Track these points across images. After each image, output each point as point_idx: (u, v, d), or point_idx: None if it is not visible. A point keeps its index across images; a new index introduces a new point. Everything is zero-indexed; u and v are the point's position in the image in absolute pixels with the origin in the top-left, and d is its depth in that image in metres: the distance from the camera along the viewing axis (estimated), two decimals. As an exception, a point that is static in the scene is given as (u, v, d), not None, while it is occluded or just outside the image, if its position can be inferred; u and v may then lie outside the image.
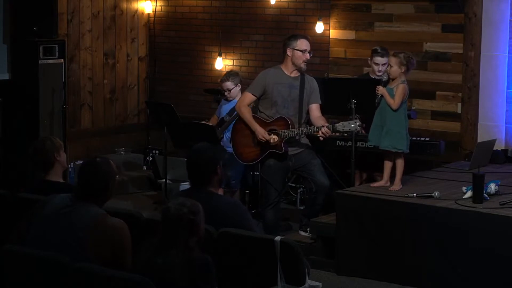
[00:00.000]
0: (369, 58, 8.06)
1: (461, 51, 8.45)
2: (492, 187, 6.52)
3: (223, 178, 5.12)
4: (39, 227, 4.46)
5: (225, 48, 10.03)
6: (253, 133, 7.17)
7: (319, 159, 7.33)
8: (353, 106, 7.26)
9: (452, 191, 6.72)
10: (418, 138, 7.76)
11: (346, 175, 7.50)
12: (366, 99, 7.09)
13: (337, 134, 7.12)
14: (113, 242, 4.34)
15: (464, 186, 6.56)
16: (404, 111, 6.79)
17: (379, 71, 7.71)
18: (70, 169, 9.17)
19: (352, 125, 6.88)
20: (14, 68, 9.24)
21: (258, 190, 8.10)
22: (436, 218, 6.30)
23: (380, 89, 6.75)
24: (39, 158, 5.50)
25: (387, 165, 6.88)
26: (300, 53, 7.18)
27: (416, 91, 8.25)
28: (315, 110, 7.24)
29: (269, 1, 9.64)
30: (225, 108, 8.36)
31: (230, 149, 7.52)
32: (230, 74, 8.42)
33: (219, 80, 8.68)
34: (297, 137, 7.19)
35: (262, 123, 7.18)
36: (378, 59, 7.83)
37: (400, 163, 6.81)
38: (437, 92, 8.68)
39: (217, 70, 9.91)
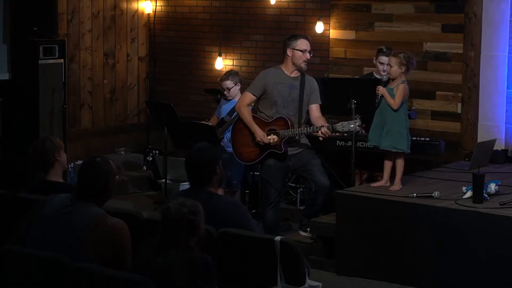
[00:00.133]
0: (374, 58, 8.09)
1: (461, 51, 8.45)
2: (492, 187, 6.52)
3: (222, 178, 5.12)
4: (39, 227, 4.46)
5: (225, 48, 10.03)
6: (252, 133, 7.17)
7: (319, 159, 7.33)
8: (353, 106, 7.26)
9: (452, 191, 6.72)
10: (418, 138, 7.76)
11: (346, 175, 7.50)
12: (366, 99, 7.10)
13: (337, 134, 7.12)
14: (113, 242, 4.34)
15: (464, 186, 6.56)
16: (405, 111, 6.78)
17: (384, 71, 7.70)
18: (70, 169, 9.17)
19: (352, 125, 6.88)
20: (14, 68, 9.24)
21: (258, 190, 8.10)
22: (436, 218, 6.30)
23: (380, 89, 6.75)
24: (39, 158, 5.50)
25: (387, 165, 6.88)
26: (300, 53, 7.18)
27: (416, 91, 8.25)
28: (315, 110, 7.24)
29: (269, 1, 9.64)
30: (225, 108, 8.36)
31: (230, 150, 7.52)
32: (230, 73, 8.42)
33: (219, 79, 8.69)
34: (296, 137, 7.19)
35: (262, 123, 7.18)
36: (383, 59, 7.83)
37: (400, 163, 6.81)
38: (437, 92, 8.68)
39: (217, 70, 9.91)
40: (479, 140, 7.94)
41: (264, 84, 7.22)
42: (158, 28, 10.70)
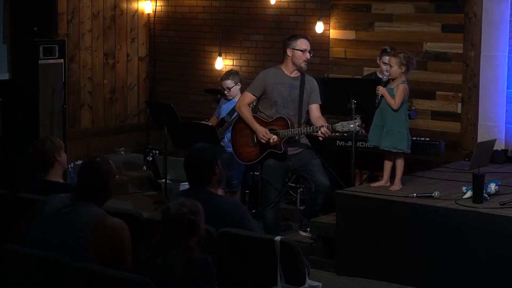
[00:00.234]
0: (378, 58, 8.09)
1: (461, 51, 8.45)
2: (492, 187, 6.52)
3: (222, 178, 5.11)
4: (39, 227, 4.46)
5: (225, 48, 10.03)
6: (253, 133, 7.17)
7: (319, 159, 7.33)
8: (353, 106, 7.26)
9: (452, 191, 6.72)
10: (418, 138, 7.75)
11: (346, 175, 7.50)
12: (366, 99, 7.10)
13: (337, 134, 7.12)
14: (113, 242, 4.34)
15: (464, 186, 6.56)
16: (405, 111, 6.78)
17: (387, 71, 7.69)
18: (70, 169, 9.17)
19: (352, 125, 6.88)
20: (14, 68, 9.24)
21: (258, 190, 8.10)
22: (436, 218, 6.29)
23: (381, 89, 6.74)
24: (39, 158, 5.50)
25: (387, 165, 6.87)
26: (300, 53, 7.18)
27: (416, 91, 8.25)
28: (315, 110, 7.24)
29: (269, 1, 9.64)
30: (225, 108, 8.36)
31: (230, 150, 7.52)
32: (230, 73, 8.43)
33: (219, 79, 8.69)
34: (296, 137, 7.19)
35: (262, 123, 7.17)
36: (387, 59, 7.81)
37: (400, 163, 6.81)
38: (437, 92, 8.68)
39: (217, 70, 9.91)
40: (479, 140, 7.94)
41: (264, 84, 7.21)
42: (158, 28, 10.70)
